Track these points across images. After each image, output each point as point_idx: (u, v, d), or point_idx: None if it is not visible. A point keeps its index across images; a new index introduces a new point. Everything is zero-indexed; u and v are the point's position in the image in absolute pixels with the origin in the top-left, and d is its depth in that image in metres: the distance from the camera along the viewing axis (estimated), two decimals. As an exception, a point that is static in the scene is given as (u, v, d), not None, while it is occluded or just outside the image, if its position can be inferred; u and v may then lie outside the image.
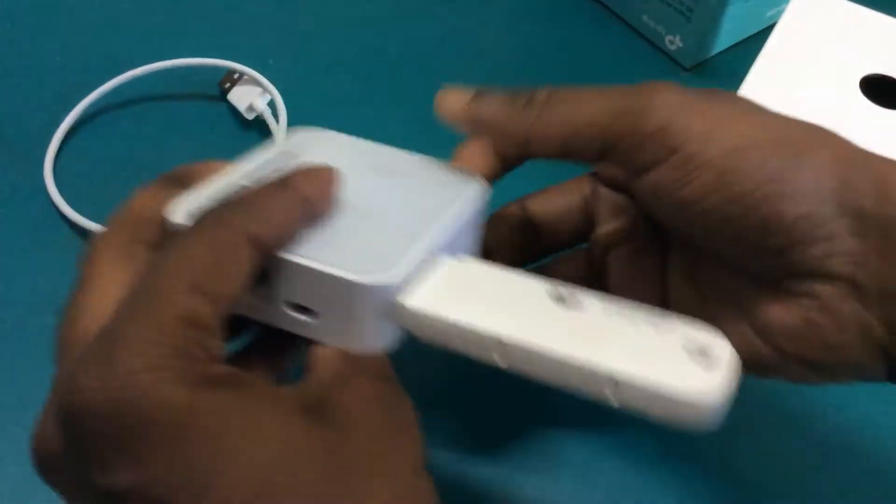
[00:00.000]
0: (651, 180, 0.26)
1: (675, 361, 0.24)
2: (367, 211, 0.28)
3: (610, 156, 0.27)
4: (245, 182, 0.27)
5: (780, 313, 0.27)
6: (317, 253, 0.26)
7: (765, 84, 0.41)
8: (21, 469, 0.32)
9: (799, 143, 0.26)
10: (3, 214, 0.43)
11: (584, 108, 0.27)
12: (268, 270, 0.26)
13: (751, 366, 0.27)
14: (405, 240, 0.27)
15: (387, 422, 0.24)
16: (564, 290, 0.26)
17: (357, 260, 0.26)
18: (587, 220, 0.33)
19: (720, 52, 0.52)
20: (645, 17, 0.52)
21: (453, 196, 0.29)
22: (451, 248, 0.28)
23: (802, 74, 0.41)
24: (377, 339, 0.27)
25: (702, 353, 0.24)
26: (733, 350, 0.25)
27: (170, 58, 0.47)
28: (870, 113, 0.40)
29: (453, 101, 0.29)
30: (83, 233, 0.42)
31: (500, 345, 0.25)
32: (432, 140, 0.38)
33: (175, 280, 0.22)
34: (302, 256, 0.26)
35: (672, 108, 0.26)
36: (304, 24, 0.52)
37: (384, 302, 0.26)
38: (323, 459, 0.21)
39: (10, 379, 0.37)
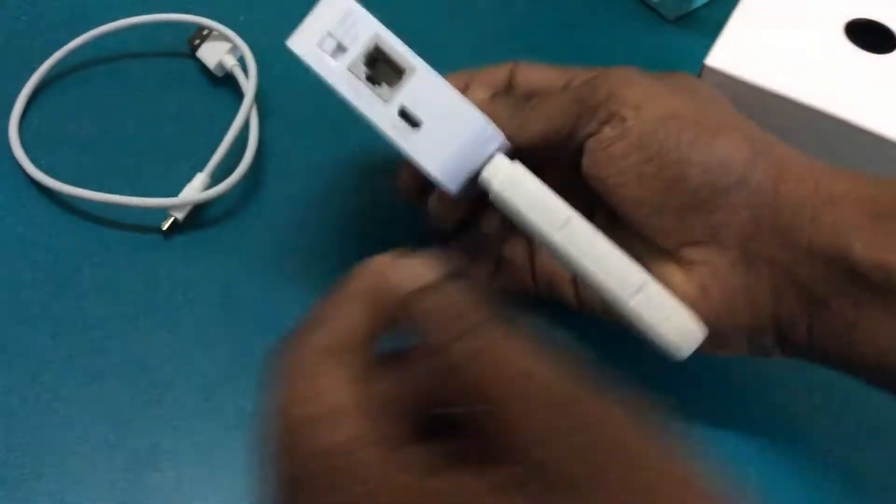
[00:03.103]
0: (590, 142, 0.30)
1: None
2: None
3: (576, 135, 0.30)
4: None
5: (681, 279, 0.30)
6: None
7: (744, 33, 0.40)
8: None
9: (716, 123, 0.30)
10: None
11: (553, 102, 0.31)
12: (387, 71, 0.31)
13: None
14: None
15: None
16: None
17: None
18: None
19: (704, 5, 0.50)
20: (627, -31, 0.50)
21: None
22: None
23: (784, 22, 0.40)
24: (453, 178, 0.31)
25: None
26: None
27: (137, 14, 0.45)
28: (855, 59, 0.39)
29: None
30: (49, 193, 0.41)
31: (566, 223, 0.30)
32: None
33: None
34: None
35: (618, 81, 0.30)
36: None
37: (481, 149, 0.31)
38: None
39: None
